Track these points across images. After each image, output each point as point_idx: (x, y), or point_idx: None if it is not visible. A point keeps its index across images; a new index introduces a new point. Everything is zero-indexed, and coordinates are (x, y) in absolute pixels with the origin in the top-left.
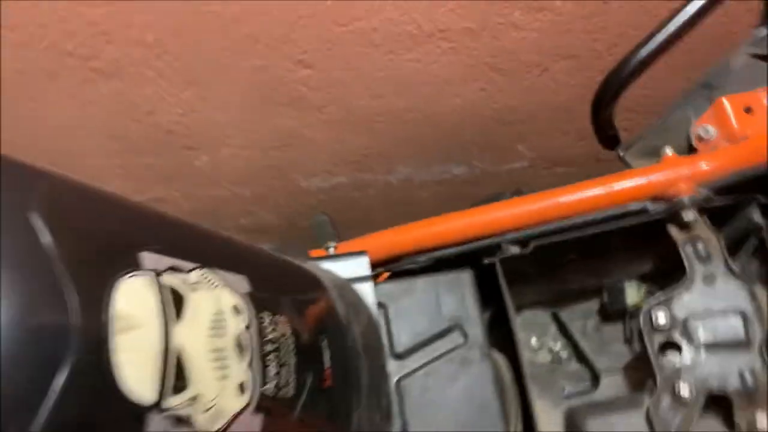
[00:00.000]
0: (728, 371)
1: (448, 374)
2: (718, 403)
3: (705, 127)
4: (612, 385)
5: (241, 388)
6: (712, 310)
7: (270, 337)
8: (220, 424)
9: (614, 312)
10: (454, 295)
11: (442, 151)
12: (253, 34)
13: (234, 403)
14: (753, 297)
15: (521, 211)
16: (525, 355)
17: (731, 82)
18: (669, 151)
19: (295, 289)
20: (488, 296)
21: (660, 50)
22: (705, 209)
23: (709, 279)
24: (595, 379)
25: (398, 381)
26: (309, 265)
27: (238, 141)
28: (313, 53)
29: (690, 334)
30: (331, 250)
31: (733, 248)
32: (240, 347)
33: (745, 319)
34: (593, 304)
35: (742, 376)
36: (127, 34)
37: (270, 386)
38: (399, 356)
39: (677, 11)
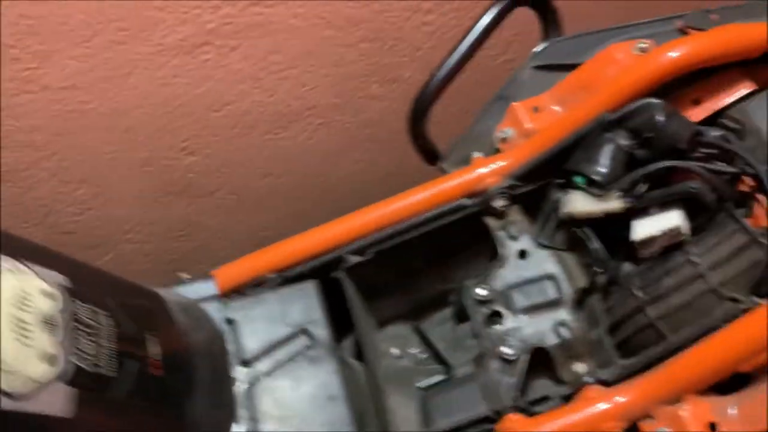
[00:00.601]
0: (546, 328)
1: (296, 374)
2: (546, 365)
3: (504, 131)
4: (464, 372)
5: (50, 360)
6: (526, 279)
7: (87, 322)
8: (27, 388)
9: (462, 312)
10: (300, 304)
11: None
12: (132, 128)
13: (40, 371)
14: (560, 261)
15: (356, 223)
16: (383, 362)
17: (521, 91)
18: (477, 155)
19: (121, 295)
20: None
21: (453, 71)
22: (516, 198)
23: (522, 254)
24: (449, 372)
25: (250, 386)
26: (157, 288)
27: (139, 236)
28: (195, 140)
29: (509, 302)
30: (185, 276)
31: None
32: (49, 324)
33: (555, 281)
34: (448, 311)
35: (557, 331)
36: (17, 138)
37: (85, 363)
38: (246, 362)
39: (459, 41)
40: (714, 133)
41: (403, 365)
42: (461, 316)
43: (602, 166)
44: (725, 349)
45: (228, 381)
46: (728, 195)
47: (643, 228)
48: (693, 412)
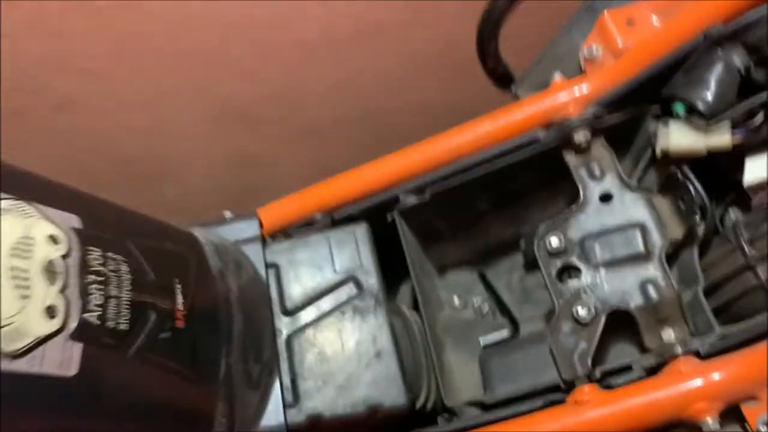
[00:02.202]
0: (630, 286)
1: (341, 326)
2: (629, 329)
3: (590, 48)
4: (532, 331)
5: (50, 311)
6: (608, 228)
7: (95, 269)
8: (23, 343)
9: (533, 261)
10: (349, 249)
11: None
12: (191, 52)
13: (40, 325)
14: (651, 207)
15: (414, 159)
16: (445, 313)
17: (612, 0)
18: (557, 77)
19: (147, 238)
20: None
21: None
22: (602, 130)
23: (605, 197)
24: (516, 329)
25: (289, 336)
26: (194, 228)
27: (200, 168)
28: (256, 65)
29: (587, 254)
30: (228, 215)
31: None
32: (50, 272)
33: (644, 230)
34: (518, 258)
35: (643, 290)
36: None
37: (91, 315)
38: (289, 312)
39: None
40: None
41: (464, 317)
42: (532, 266)
43: (709, 91)
44: None
45: (269, 332)
46: None
47: (759, 169)
48: None
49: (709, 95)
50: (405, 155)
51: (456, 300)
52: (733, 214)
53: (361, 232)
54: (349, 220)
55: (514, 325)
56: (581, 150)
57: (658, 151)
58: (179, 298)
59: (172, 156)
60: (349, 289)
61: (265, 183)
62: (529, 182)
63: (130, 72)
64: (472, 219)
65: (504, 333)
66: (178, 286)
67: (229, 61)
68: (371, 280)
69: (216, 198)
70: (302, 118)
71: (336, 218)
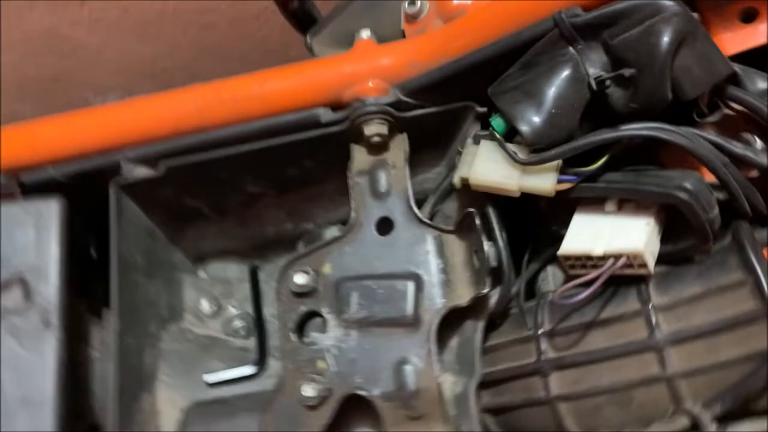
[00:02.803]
0: (381, 364)
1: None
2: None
3: (415, 1)
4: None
5: None
6: (376, 271)
7: None
8: None
9: None
10: (23, 235)
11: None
12: None
13: None
14: (440, 253)
15: (148, 116)
16: (179, 326)
17: None
18: (365, 35)
19: None
20: None
21: None
22: (406, 126)
23: (384, 225)
24: (262, 364)
25: None
26: None
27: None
28: None
29: (341, 304)
30: None
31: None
32: None
33: (419, 285)
34: None
35: (398, 373)
36: None
37: None
38: None
39: None
40: (762, 84)
41: (203, 334)
42: None
43: (540, 108)
44: None
45: None
46: (745, 210)
47: (579, 238)
48: None
49: (538, 116)
50: (135, 109)
51: (205, 305)
52: (552, 281)
53: (49, 211)
54: (47, 188)
55: (262, 358)
56: (373, 148)
57: (455, 178)
58: None
59: None
60: (12, 299)
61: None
62: (314, 170)
63: None
64: (243, 201)
65: (245, 370)
66: None
67: None
68: (48, 288)
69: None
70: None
71: (25, 182)
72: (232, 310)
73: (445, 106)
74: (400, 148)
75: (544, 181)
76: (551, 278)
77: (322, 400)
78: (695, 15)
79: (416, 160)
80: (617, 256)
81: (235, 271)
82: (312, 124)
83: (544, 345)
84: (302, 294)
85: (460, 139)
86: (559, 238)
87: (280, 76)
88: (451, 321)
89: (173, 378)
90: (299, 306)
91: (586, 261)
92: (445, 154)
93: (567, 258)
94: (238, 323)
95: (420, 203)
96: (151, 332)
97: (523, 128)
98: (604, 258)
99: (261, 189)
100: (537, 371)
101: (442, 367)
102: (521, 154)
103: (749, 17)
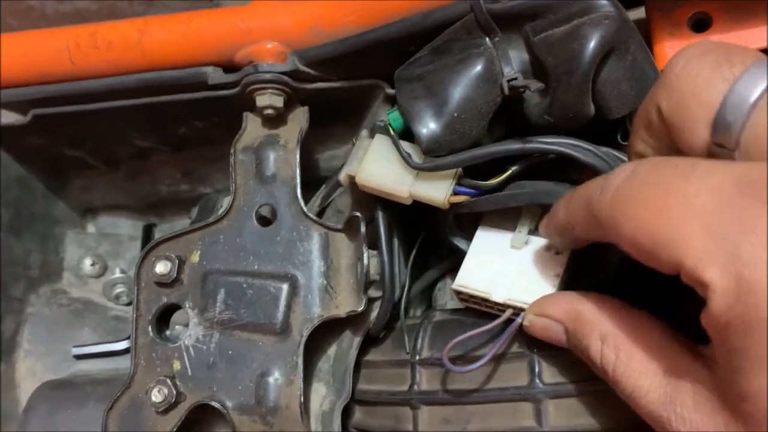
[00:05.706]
0: (242, 374)
1: None
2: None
3: None
4: None
5: None
6: (247, 268)
7: None
8: None
9: None
10: None
11: None
12: None
13: None
14: (324, 253)
15: (15, 55)
16: (54, 286)
17: None
18: None
19: None
20: None
21: None
22: (304, 99)
23: (265, 216)
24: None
25: None
26: None
27: None
28: None
29: (206, 300)
30: None
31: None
32: None
33: (294, 289)
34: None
35: (259, 387)
36: None
37: None
38: None
39: None
40: None
41: (77, 297)
42: None
43: (441, 110)
44: None
45: None
46: None
47: (477, 274)
48: None
49: (438, 120)
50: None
51: (87, 264)
52: (449, 293)
53: None
54: None
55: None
56: (268, 120)
57: (342, 174)
58: None
59: None
60: None
61: None
62: (209, 131)
63: None
64: (134, 154)
65: (117, 345)
66: None
67: None
68: None
69: None
70: None
71: None
72: (118, 272)
73: (352, 82)
74: (298, 123)
75: (438, 191)
76: (449, 290)
77: (171, 407)
78: (642, 14)
79: (326, 133)
80: (517, 311)
81: (127, 227)
82: (199, 84)
83: (418, 375)
84: (164, 284)
85: (369, 120)
86: (458, 253)
87: (164, 24)
88: (331, 327)
89: (37, 346)
90: (161, 296)
91: (482, 301)
92: (355, 134)
93: (460, 293)
94: (120, 288)
95: (321, 185)
96: (14, 296)
97: (419, 132)
98: (503, 306)
99: (151, 144)
100: (407, 402)
101: (316, 376)
102: (416, 157)
103: (701, 25)
